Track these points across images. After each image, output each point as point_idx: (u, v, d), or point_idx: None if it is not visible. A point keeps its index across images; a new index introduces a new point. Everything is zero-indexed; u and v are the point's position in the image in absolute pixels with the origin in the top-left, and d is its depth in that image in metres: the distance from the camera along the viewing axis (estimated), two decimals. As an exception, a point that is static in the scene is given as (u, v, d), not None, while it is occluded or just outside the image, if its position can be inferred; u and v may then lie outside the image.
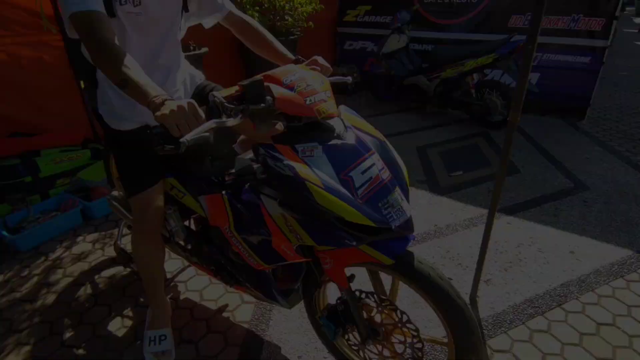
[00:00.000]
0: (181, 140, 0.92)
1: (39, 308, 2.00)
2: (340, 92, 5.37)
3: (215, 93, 1.05)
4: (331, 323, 1.38)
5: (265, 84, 1.12)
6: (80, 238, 2.56)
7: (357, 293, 1.33)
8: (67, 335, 1.83)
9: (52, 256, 2.39)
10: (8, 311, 1.98)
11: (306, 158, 1.08)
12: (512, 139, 1.61)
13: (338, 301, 1.35)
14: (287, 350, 1.71)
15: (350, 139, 1.15)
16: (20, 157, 2.72)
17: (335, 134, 1.14)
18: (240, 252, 1.38)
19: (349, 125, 1.24)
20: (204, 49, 3.60)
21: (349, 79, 1.56)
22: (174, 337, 1.78)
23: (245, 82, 1.08)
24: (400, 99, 4.76)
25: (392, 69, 4.56)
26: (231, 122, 1.02)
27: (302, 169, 1.04)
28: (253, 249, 1.33)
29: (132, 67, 1.09)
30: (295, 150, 1.09)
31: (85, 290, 2.11)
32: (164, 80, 1.47)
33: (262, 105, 1.07)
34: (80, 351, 1.75)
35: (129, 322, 1.89)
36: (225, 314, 1.92)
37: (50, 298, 2.06)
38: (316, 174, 1.05)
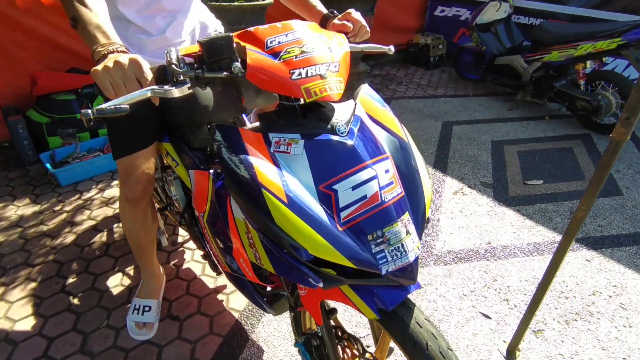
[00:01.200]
0: (83, 111, 0.68)
1: (57, 246, 2.03)
2: (419, 64, 4.79)
3: (172, 49, 0.79)
4: (307, 352, 1.12)
5: (242, 44, 0.82)
6: (115, 182, 2.58)
7: (339, 332, 1.05)
8: (70, 280, 1.83)
9: (85, 196, 2.44)
10: (31, 243, 2.05)
11: (279, 154, 0.79)
12: (618, 150, 1.11)
13: (315, 332, 1.08)
14: (269, 356, 1.51)
15: (351, 135, 0.82)
16: (76, 94, 2.78)
17: (330, 126, 0.82)
18: (211, 249, 1.16)
19: (363, 115, 0.90)
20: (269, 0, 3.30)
21: (390, 48, 1.19)
22: (163, 309, 1.68)
23: (205, 39, 0.79)
24: (487, 81, 4.06)
25: (485, 44, 3.87)
26: (174, 92, 0.75)
27: (264, 170, 0.75)
28: (220, 251, 1.10)
29: (91, 4, 0.86)
30: (267, 141, 0.79)
31: (101, 237, 2.10)
32: (166, 27, 1.23)
33: (225, 73, 0.78)
34: (75, 301, 1.73)
35: (127, 281, 1.84)
36: (220, 297, 1.76)
37: (69, 238, 2.09)
38: (283, 180, 0.75)
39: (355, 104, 0.93)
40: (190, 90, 0.77)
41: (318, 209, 0.75)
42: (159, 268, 1.71)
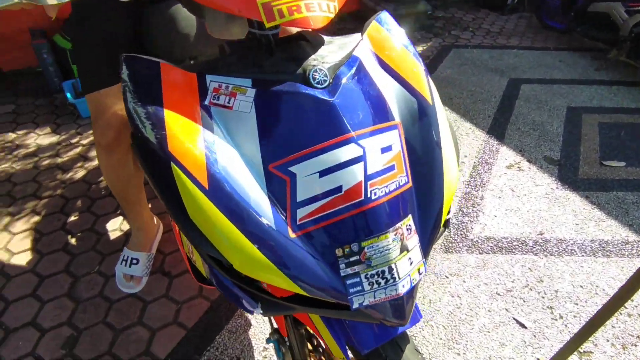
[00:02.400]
0: None
1: (66, 181, 1.97)
2: (493, 8, 4.06)
3: None
4: (279, 351, 0.92)
5: None
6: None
7: (314, 341, 0.82)
8: (72, 218, 1.76)
9: (103, 130, 2.33)
10: (43, 174, 2.00)
11: (216, 109, 0.51)
12: None
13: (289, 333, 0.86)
14: (256, 332, 1.35)
15: (335, 88, 0.52)
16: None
17: (301, 70, 0.52)
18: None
19: (368, 57, 0.59)
20: None
21: None
22: (156, 262, 1.56)
23: None
24: (575, 32, 3.32)
25: (580, -16, 3.11)
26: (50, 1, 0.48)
27: (181, 133, 0.48)
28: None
29: None
30: (203, 87, 0.52)
31: (110, 176, 2.00)
32: None
33: None
34: (72, 241, 1.66)
35: (126, 227, 1.73)
36: (216, 256, 1.60)
37: (79, 174, 2.01)
38: (210, 151, 0.48)
39: (360, 40, 0.61)
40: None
41: (258, 202, 0.48)
42: (152, 219, 1.56)
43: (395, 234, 0.51)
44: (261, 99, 0.50)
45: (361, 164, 0.50)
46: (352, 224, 0.49)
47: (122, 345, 1.30)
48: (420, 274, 0.54)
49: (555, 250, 1.65)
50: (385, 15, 0.68)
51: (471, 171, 2.05)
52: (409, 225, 0.53)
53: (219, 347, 1.30)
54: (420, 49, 3.28)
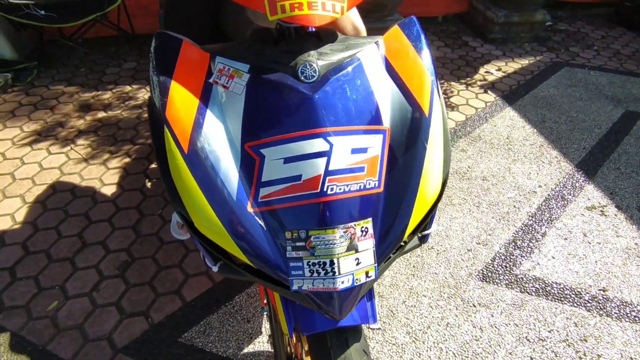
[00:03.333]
0: None
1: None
2: (633, 27, 3.50)
3: None
4: (270, 319, 1.00)
5: None
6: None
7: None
8: (152, 166, 2.04)
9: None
10: (142, 125, 2.34)
11: (216, 86, 0.58)
12: None
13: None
14: (252, 308, 1.44)
15: (322, 84, 0.55)
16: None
17: (294, 63, 0.56)
18: None
19: (374, 60, 0.60)
20: None
21: None
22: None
23: None
24: None
25: None
26: None
27: (179, 102, 0.56)
28: None
29: None
30: (211, 66, 0.59)
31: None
32: None
33: None
34: (148, 184, 1.93)
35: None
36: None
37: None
38: (200, 121, 0.56)
39: (377, 42, 0.62)
40: None
41: (228, 173, 0.54)
42: None
43: (345, 232, 0.53)
44: (252, 84, 0.56)
45: (324, 158, 0.52)
46: (304, 212, 0.52)
47: (160, 281, 1.50)
48: (368, 277, 0.55)
49: (615, 313, 1.43)
50: (410, 21, 0.67)
51: (541, 203, 1.85)
52: (366, 227, 0.55)
53: (235, 305, 1.42)
54: (524, 62, 3.00)
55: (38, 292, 1.45)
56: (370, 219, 0.55)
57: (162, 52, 0.60)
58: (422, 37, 0.66)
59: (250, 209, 0.54)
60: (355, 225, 0.54)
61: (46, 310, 1.40)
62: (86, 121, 2.32)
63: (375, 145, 0.57)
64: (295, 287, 0.53)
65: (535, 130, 2.32)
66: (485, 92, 2.65)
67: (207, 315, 1.39)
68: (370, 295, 0.66)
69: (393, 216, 0.57)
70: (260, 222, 0.54)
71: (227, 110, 0.57)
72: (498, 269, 1.57)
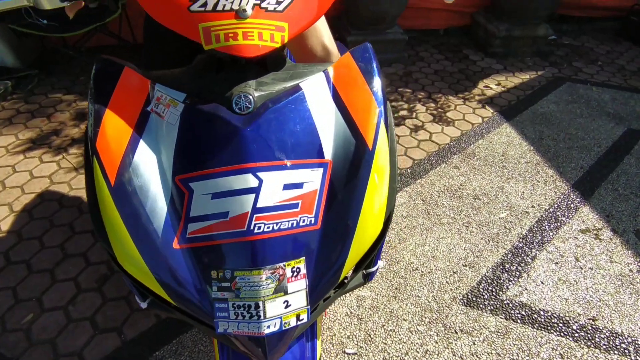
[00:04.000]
0: None
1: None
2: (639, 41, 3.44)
3: None
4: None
5: None
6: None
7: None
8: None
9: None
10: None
11: (153, 115, 0.57)
12: None
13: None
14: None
15: (256, 117, 0.53)
16: None
17: (230, 94, 0.54)
18: None
19: (319, 90, 0.58)
20: None
21: None
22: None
23: None
24: None
25: None
26: (42, 2, 0.58)
27: (112, 131, 0.55)
28: None
29: None
30: (151, 93, 0.57)
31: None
32: None
33: None
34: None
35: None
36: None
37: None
38: (131, 152, 0.54)
39: (326, 71, 0.60)
40: (64, 4, 0.59)
41: (155, 207, 0.52)
42: None
43: (273, 273, 0.50)
44: (186, 115, 0.54)
45: (252, 195, 0.50)
46: (230, 251, 0.50)
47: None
48: (300, 320, 0.52)
49: (604, 344, 1.37)
50: (364, 48, 0.65)
51: (532, 225, 1.80)
52: (298, 268, 0.52)
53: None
54: (525, 77, 2.95)
55: (15, 304, 1.45)
56: (303, 259, 0.52)
57: (101, 79, 0.59)
58: (374, 64, 0.64)
59: (176, 246, 0.51)
60: (285, 265, 0.51)
61: (21, 322, 1.39)
62: (80, 130, 2.33)
63: (314, 179, 0.54)
64: (220, 330, 0.51)
65: (531, 148, 2.27)
66: (483, 107, 2.61)
67: (180, 334, 1.36)
68: (311, 334, 0.63)
69: (329, 255, 0.54)
70: (187, 259, 0.51)
71: (162, 140, 0.55)
72: (483, 294, 1.52)
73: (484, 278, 1.58)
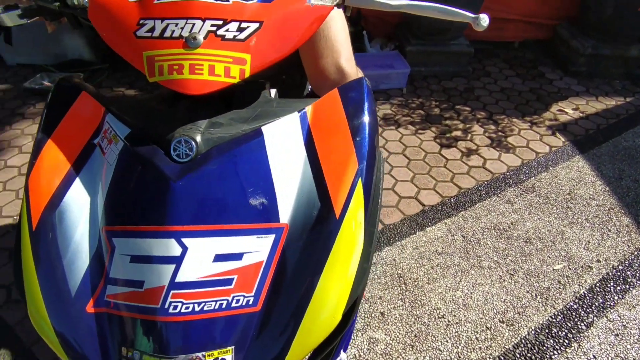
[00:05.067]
0: None
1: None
2: None
3: None
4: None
5: None
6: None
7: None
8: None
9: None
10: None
11: (98, 149, 0.50)
12: None
13: None
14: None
15: (199, 166, 0.44)
16: None
17: (170, 136, 0.45)
18: None
19: (295, 134, 0.48)
20: None
21: (482, 18, 0.60)
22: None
23: None
24: None
25: None
26: (6, 18, 0.54)
27: (47, 165, 0.49)
28: None
29: None
30: (102, 123, 0.51)
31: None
32: None
33: (56, 3, 0.51)
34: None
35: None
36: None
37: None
38: (59, 192, 0.47)
39: (303, 111, 0.50)
40: (23, 21, 0.54)
41: (75, 260, 0.45)
42: None
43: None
44: (123, 155, 0.47)
45: (172, 266, 0.41)
46: (142, 329, 0.42)
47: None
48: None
49: None
50: (358, 84, 0.53)
51: (594, 283, 1.51)
52: (223, 359, 0.42)
53: None
54: (610, 102, 2.55)
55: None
56: (231, 348, 0.42)
57: (53, 105, 0.53)
58: (365, 106, 0.52)
59: (90, 309, 0.44)
60: (205, 356, 0.41)
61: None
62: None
63: (260, 249, 0.44)
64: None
65: (607, 188, 1.93)
66: (554, 134, 2.29)
67: None
68: None
69: (268, 345, 0.44)
70: (100, 327, 0.44)
71: (99, 181, 0.48)
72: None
73: (523, 341, 1.35)
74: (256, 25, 0.47)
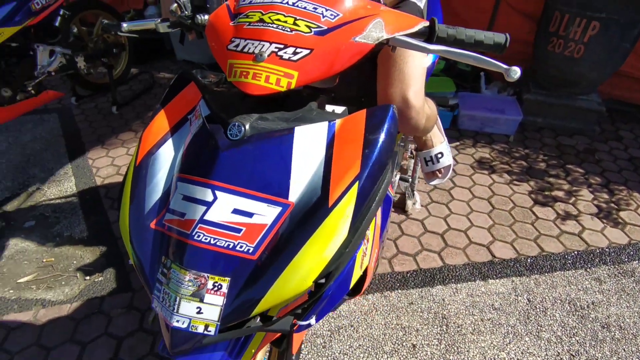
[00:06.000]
0: (123, 23, 0.85)
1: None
2: None
3: None
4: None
5: None
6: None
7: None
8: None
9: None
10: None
11: (189, 122, 0.71)
12: None
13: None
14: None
15: (241, 144, 0.61)
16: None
17: (230, 122, 0.63)
18: None
19: (321, 137, 0.63)
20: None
21: (515, 70, 0.66)
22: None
23: None
24: None
25: None
26: (159, 26, 0.79)
27: (157, 126, 0.71)
28: None
29: None
30: (196, 104, 0.72)
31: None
32: None
33: (189, 21, 0.73)
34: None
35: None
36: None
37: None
38: (158, 144, 0.69)
39: (332, 122, 0.64)
40: (170, 30, 0.79)
41: (155, 190, 0.66)
42: None
43: (195, 278, 0.56)
44: (200, 127, 0.65)
45: (204, 207, 0.57)
46: (175, 246, 0.59)
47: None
48: (207, 331, 0.57)
49: None
50: (383, 109, 0.63)
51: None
52: (220, 284, 0.57)
53: None
54: None
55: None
56: (227, 279, 0.57)
57: (171, 88, 0.76)
58: (383, 126, 0.62)
59: (153, 226, 0.63)
60: (208, 277, 0.56)
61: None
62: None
63: (267, 214, 0.58)
64: (153, 305, 0.61)
65: None
66: (685, 221, 1.94)
67: None
68: (238, 353, 0.66)
69: (253, 287, 0.57)
70: (155, 239, 0.63)
71: (183, 143, 0.68)
72: None
73: None
74: (307, 51, 0.62)
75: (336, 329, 1.48)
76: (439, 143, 1.48)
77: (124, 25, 0.85)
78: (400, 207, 2.01)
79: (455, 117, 2.64)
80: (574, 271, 1.70)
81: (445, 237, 1.86)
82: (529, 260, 1.74)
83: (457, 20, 2.96)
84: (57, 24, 2.41)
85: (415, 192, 1.98)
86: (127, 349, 1.42)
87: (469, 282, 1.65)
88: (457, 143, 2.51)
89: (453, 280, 1.66)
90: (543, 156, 2.41)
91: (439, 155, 1.46)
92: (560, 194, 2.12)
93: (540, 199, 2.09)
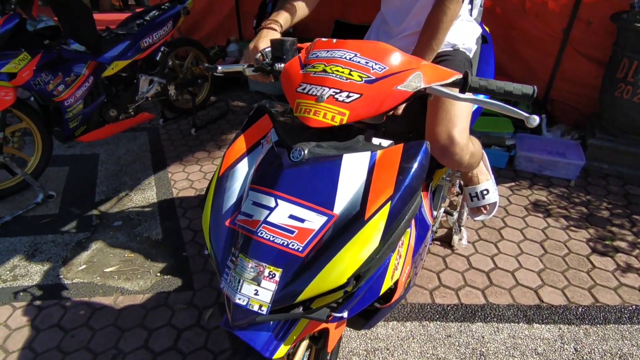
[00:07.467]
0: (218, 66, 1.08)
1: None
2: None
3: (273, 39, 1.01)
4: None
5: (300, 49, 0.91)
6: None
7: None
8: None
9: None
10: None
11: (261, 146, 0.89)
12: None
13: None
14: None
15: (301, 164, 0.77)
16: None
17: (294, 147, 0.79)
18: None
19: (363, 162, 0.77)
20: None
21: (534, 118, 0.75)
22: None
23: (276, 39, 0.94)
24: None
25: None
26: (245, 71, 1.00)
27: (238, 146, 0.90)
28: None
29: None
30: (268, 132, 0.90)
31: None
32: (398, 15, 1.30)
33: (269, 67, 0.93)
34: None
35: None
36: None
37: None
38: (239, 161, 0.88)
39: (374, 153, 0.78)
40: (253, 74, 0.99)
41: (231, 195, 0.84)
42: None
43: (256, 266, 0.72)
44: (269, 150, 0.83)
45: (267, 211, 0.73)
46: (243, 240, 0.75)
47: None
48: (260, 310, 0.71)
49: None
50: (417, 145, 0.76)
51: None
52: (274, 273, 0.71)
53: None
54: None
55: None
56: (281, 270, 0.71)
57: (250, 118, 0.96)
58: (416, 162, 0.74)
59: (227, 224, 0.81)
60: (265, 266, 0.71)
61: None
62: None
63: (315, 221, 0.72)
64: (222, 285, 0.77)
65: None
66: None
67: None
68: (283, 335, 0.78)
69: (299, 279, 0.70)
70: (227, 235, 0.79)
71: (255, 162, 0.86)
72: None
73: None
74: (358, 95, 0.77)
75: (372, 349, 1.55)
76: (485, 180, 1.54)
77: (219, 67, 1.08)
78: (447, 241, 2.04)
79: (512, 157, 2.63)
80: (629, 325, 1.61)
81: (490, 275, 1.86)
82: (580, 309, 1.68)
83: (520, 64, 2.99)
84: (157, 58, 2.87)
85: (462, 228, 2.01)
86: (185, 340, 1.61)
87: (512, 324, 1.64)
88: (512, 183, 2.50)
89: (495, 319, 1.66)
90: (607, 204, 2.31)
91: (485, 192, 1.52)
92: (623, 244, 2.02)
93: (599, 247, 2.01)
